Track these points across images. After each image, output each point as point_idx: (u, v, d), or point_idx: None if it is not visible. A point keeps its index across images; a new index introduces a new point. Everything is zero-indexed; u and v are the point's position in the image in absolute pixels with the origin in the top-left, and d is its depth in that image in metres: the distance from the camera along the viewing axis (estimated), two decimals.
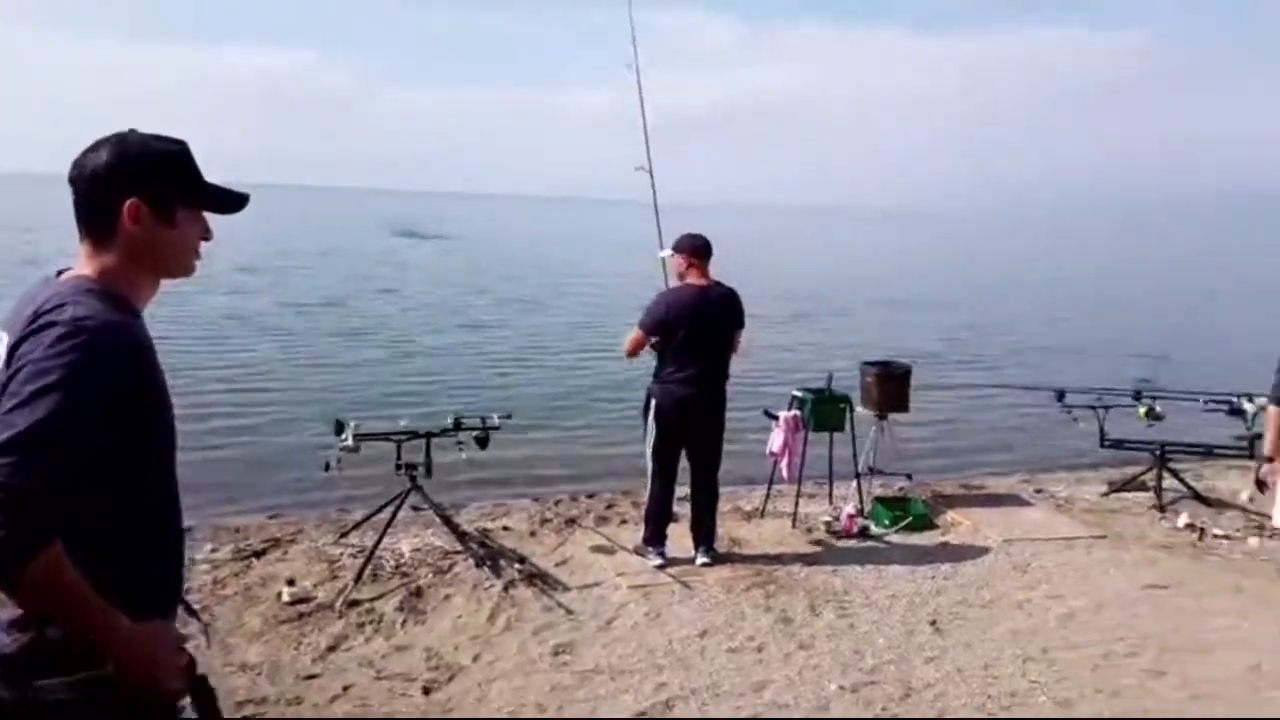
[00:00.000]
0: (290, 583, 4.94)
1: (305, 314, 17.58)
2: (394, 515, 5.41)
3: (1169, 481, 7.18)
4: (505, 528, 6.09)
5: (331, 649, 4.33)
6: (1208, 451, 7.40)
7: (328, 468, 5.28)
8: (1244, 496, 7.35)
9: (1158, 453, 7.22)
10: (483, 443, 5.44)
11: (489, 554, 5.43)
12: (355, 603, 4.77)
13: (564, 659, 4.27)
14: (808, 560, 5.62)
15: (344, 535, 5.74)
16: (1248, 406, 7.09)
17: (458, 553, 5.41)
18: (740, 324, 5.50)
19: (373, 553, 5.19)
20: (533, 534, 5.95)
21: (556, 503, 6.82)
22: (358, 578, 4.98)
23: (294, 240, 39.35)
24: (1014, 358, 15.93)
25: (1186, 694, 4.13)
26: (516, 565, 5.28)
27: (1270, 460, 4.47)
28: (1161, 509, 6.90)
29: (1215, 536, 6.37)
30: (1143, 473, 7.39)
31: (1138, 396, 7.43)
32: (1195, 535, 6.38)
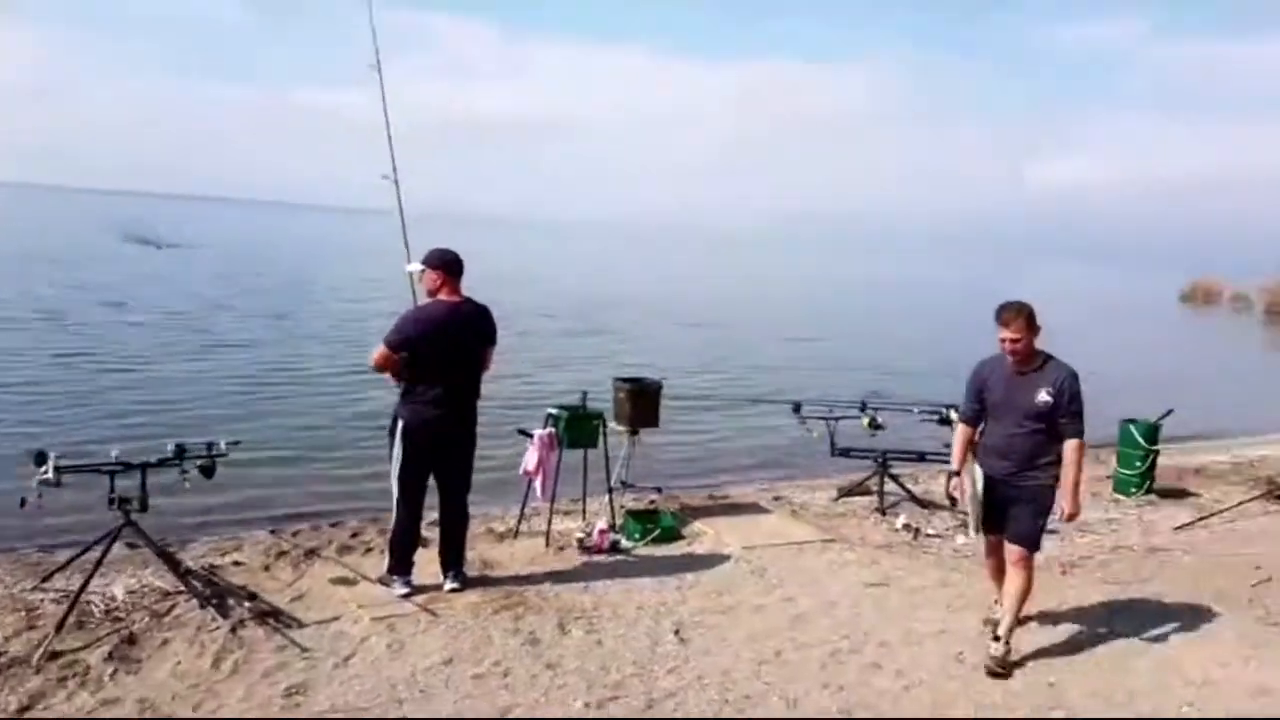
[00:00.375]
0: None
1: (11, 329, 15.70)
2: (104, 555, 4.91)
3: (890, 486, 7.81)
4: (236, 563, 5.68)
5: (25, 709, 3.86)
6: (921, 457, 8.11)
7: (24, 504, 4.70)
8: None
9: (879, 460, 7.84)
10: (208, 472, 5.04)
11: (215, 593, 5.04)
12: (56, 654, 4.28)
13: (296, 700, 4.02)
14: (559, 578, 5.63)
15: (46, 579, 5.15)
16: (954, 416, 7.84)
17: (179, 593, 4.98)
18: (492, 341, 5.42)
19: (78, 597, 4.68)
20: (266, 569, 5.58)
21: (295, 534, 6.45)
22: (60, 626, 4.47)
23: None
24: (757, 373, 16.82)
25: (900, 684, 4.48)
26: (246, 603, 4.93)
27: (957, 474, 4.89)
28: (883, 512, 7.49)
29: (928, 535, 6.98)
30: (867, 478, 8.00)
31: (863, 408, 8.03)
32: (911, 535, 6.96)
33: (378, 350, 5.16)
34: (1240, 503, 8.18)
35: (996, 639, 4.70)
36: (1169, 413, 8.84)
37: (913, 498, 7.88)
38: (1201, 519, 7.73)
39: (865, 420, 7.85)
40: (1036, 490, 4.67)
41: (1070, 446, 4.59)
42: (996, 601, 5.03)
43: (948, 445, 7.79)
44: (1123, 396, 13.78)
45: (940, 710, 4.25)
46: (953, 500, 5.00)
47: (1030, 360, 4.66)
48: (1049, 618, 5.34)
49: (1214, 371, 22.08)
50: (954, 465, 4.91)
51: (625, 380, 6.97)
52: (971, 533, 5.12)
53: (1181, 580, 6.22)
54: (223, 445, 5.18)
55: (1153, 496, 8.45)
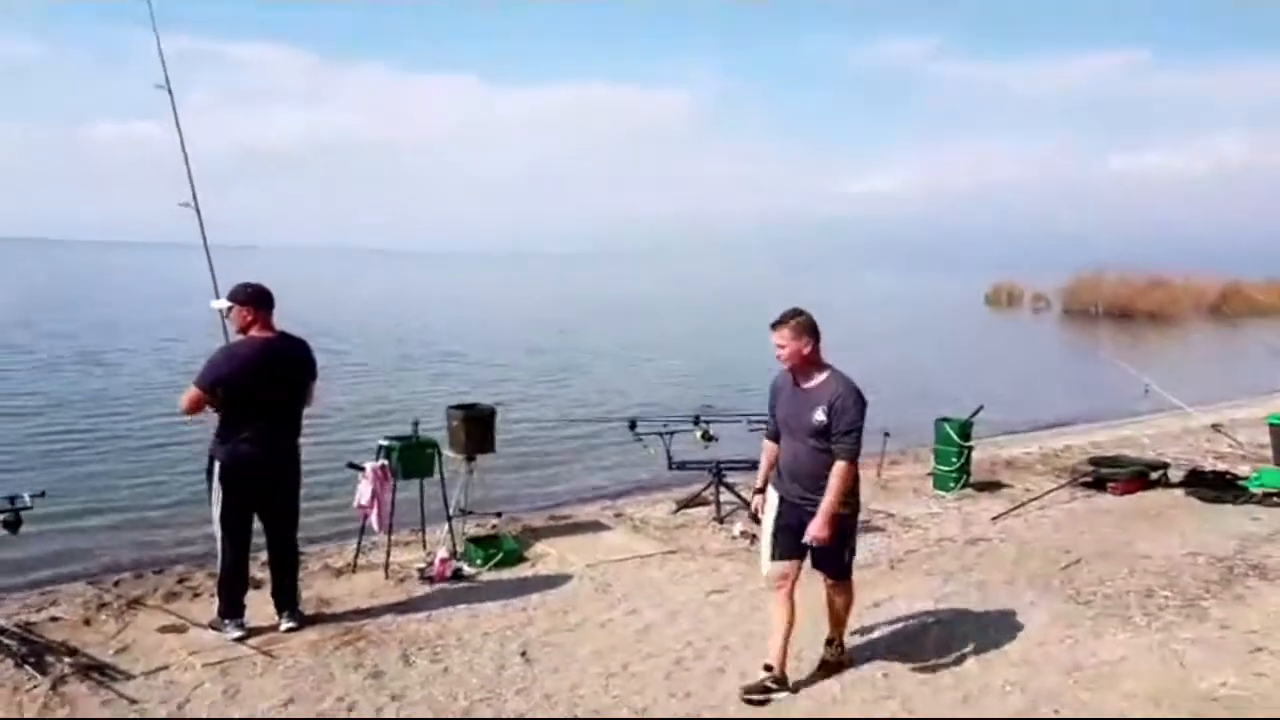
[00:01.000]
0: None
1: None
2: None
3: (725, 495, 8.07)
4: (53, 618, 5.31)
5: None
6: (754, 465, 8.35)
7: None
8: None
9: (714, 470, 8.09)
10: (12, 526, 4.71)
11: (31, 650, 4.72)
12: None
13: None
14: (401, 609, 5.55)
15: None
16: None
17: None
18: (313, 375, 5.29)
19: None
20: (87, 621, 5.25)
21: (117, 583, 6.07)
22: None
23: None
24: (592, 393, 16.99)
25: (743, 685, 4.64)
26: (66, 659, 4.64)
27: (760, 491, 4.72)
28: (720, 520, 7.74)
29: None
30: (703, 489, 8.24)
31: (696, 421, 8.26)
32: (748, 541, 7.21)
33: (189, 392, 4.94)
34: (1049, 491, 8.87)
35: (831, 641, 4.77)
36: (980, 409, 9.52)
37: (747, 505, 8.15)
38: (1015, 509, 8.33)
39: (699, 433, 8.08)
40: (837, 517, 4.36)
41: (836, 468, 4.28)
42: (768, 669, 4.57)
43: None
44: (935, 396, 14.75)
45: (781, 709, 4.44)
46: (757, 519, 4.76)
47: (808, 373, 4.42)
48: (880, 611, 5.67)
49: (1019, 368, 23.82)
50: (758, 483, 4.79)
51: (458, 407, 6.94)
52: (764, 567, 4.66)
53: (1000, 567, 6.68)
54: (26, 498, 4.86)
55: (970, 490, 9.06)
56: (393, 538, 6.29)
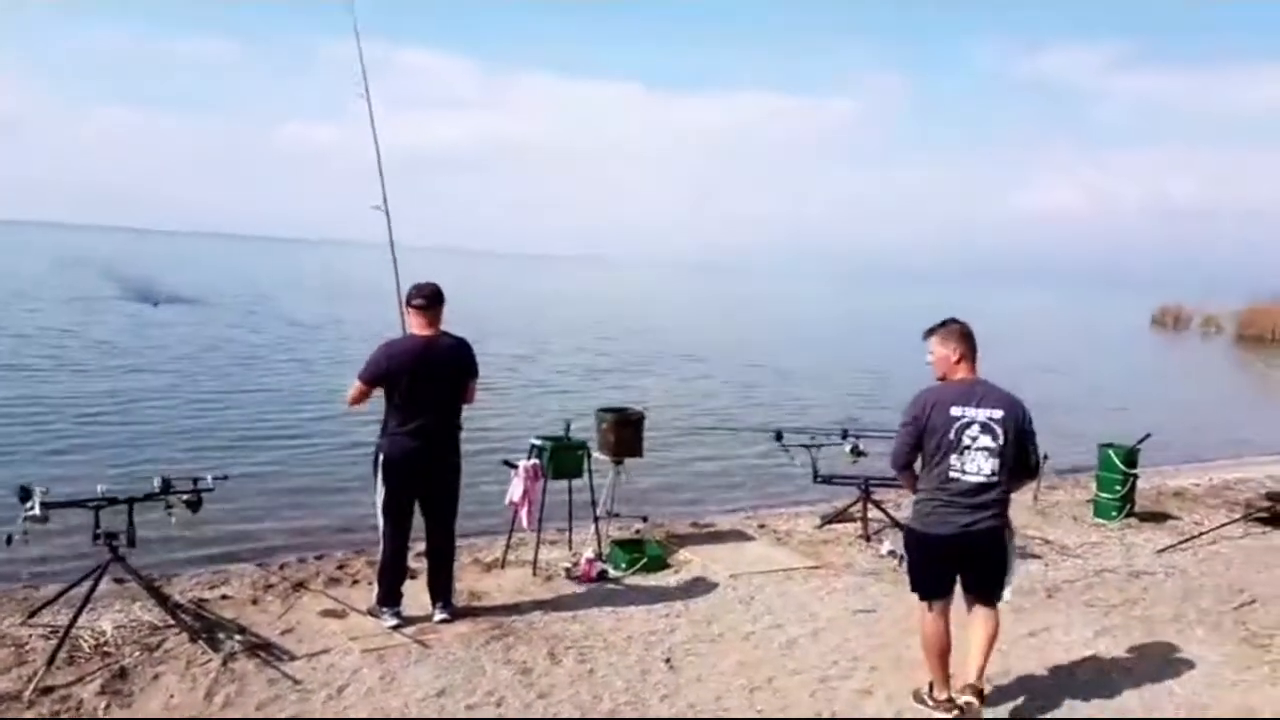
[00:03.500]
0: None
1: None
2: (93, 589, 4.88)
3: (873, 513, 7.87)
4: (224, 596, 5.65)
5: None
6: None
7: (9, 540, 4.67)
8: None
9: (862, 486, 7.90)
10: (195, 506, 5.03)
11: (205, 626, 5.02)
12: (48, 690, 4.24)
13: None
14: (548, 608, 5.64)
15: (33, 615, 5.10)
16: None
17: (169, 626, 4.95)
18: (472, 374, 5.44)
19: (68, 632, 4.64)
20: (255, 602, 5.56)
21: (282, 566, 6.42)
22: (50, 661, 4.43)
23: None
24: (740, 402, 16.92)
25: (892, 709, 4.52)
26: (236, 636, 4.91)
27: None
28: (867, 538, 7.54)
29: None
30: (850, 505, 8.05)
31: (844, 435, 8.09)
32: (896, 561, 6.99)
33: (353, 386, 5.20)
34: (1221, 525, 8.30)
35: (970, 688, 4.28)
36: (1147, 436, 8.98)
37: (896, 524, 7.92)
38: (1183, 542, 7.83)
39: (847, 447, 7.92)
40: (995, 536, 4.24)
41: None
42: (930, 692, 4.45)
43: None
44: (1100, 421, 14.01)
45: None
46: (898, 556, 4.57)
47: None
48: (1034, 642, 5.41)
49: (1189, 394, 22.40)
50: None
51: (608, 410, 7.02)
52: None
53: (1166, 603, 6.29)
54: (209, 479, 5.18)
55: (1133, 520, 8.56)
56: (541, 536, 6.40)
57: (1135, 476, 8.72)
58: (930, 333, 4.39)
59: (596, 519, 6.70)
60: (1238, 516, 8.57)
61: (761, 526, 7.96)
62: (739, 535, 7.57)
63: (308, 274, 63.30)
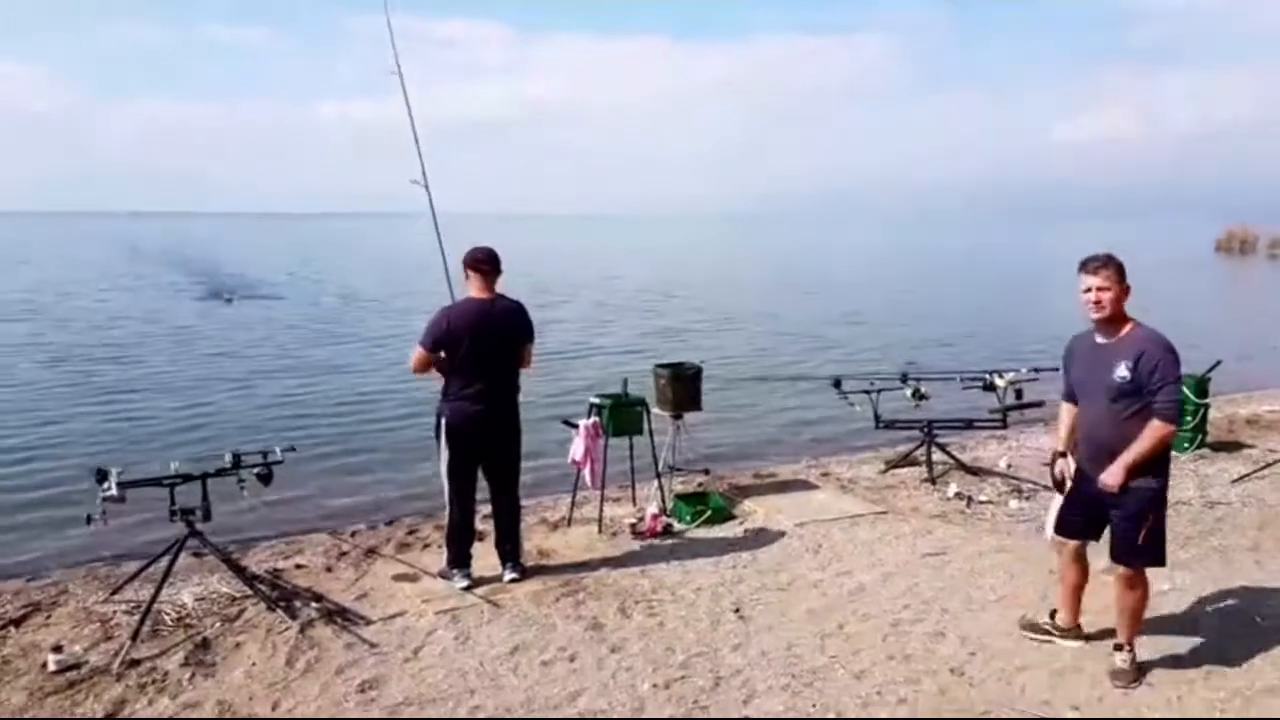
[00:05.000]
0: (57, 649, 4.46)
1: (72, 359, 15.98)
2: (172, 564, 5.01)
3: (937, 455, 7.77)
4: (299, 565, 5.77)
5: (110, 716, 3.96)
6: (968, 425, 8.05)
7: (90, 521, 4.81)
8: (1003, 464, 8.10)
9: (925, 430, 7.80)
10: (266, 479, 5.13)
11: (281, 595, 5.14)
12: (135, 662, 4.38)
13: (371, 695, 4.10)
14: (615, 564, 5.67)
15: (116, 591, 5.27)
16: (999, 382, 7.80)
17: (247, 597, 5.08)
18: (529, 337, 5.45)
19: (150, 606, 4.78)
20: (329, 569, 5.67)
21: (353, 534, 6.54)
22: (135, 635, 4.58)
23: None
24: (795, 351, 16.79)
25: (966, 651, 4.47)
26: (313, 604, 5.02)
27: (1062, 455, 4.31)
28: (933, 481, 7.45)
29: (981, 503, 6.94)
30: (914, 449, 7.96)
31: (904, 379, 7.98)
32: (964, 503, 6.93)
33: (415, 352, 5.23)
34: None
35: (1120, 648, 4.20)
36: (1217, 364, 8.71)
37: (961, 466, 7.84)
38: (1258, 470, 7.62)
39: (909, 391, 7.81)
40: (1133, 491, 3.98)
41: (1152, 425, 3.88)
42: (1053, 615, 4.57)
43: (994, 411, 7.82)
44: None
45: (1010, 674, 4.23)
46: (1060, 484, 4.31)
47: (1115, 326, 3.99)
48: (1105, 575, 5.29)
49: (1260, 319, 21.71)
50: (1060, 445, 4.34)
51: (665, 366, 6.99)
52: (1047, 533, 4.54)
53: (1243, 533, 6.16)
54: (278, 452, 5.27)
55: (1205, 450, 8.36)
56: (605, 493, 6.43)
57: (1207, 406, 8.50)
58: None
59: (659, 474, 6.71)
60: None
61: (825, 475, 7.91)
62: (803, 484, 7.53)
63: (356, 248, 63.93)
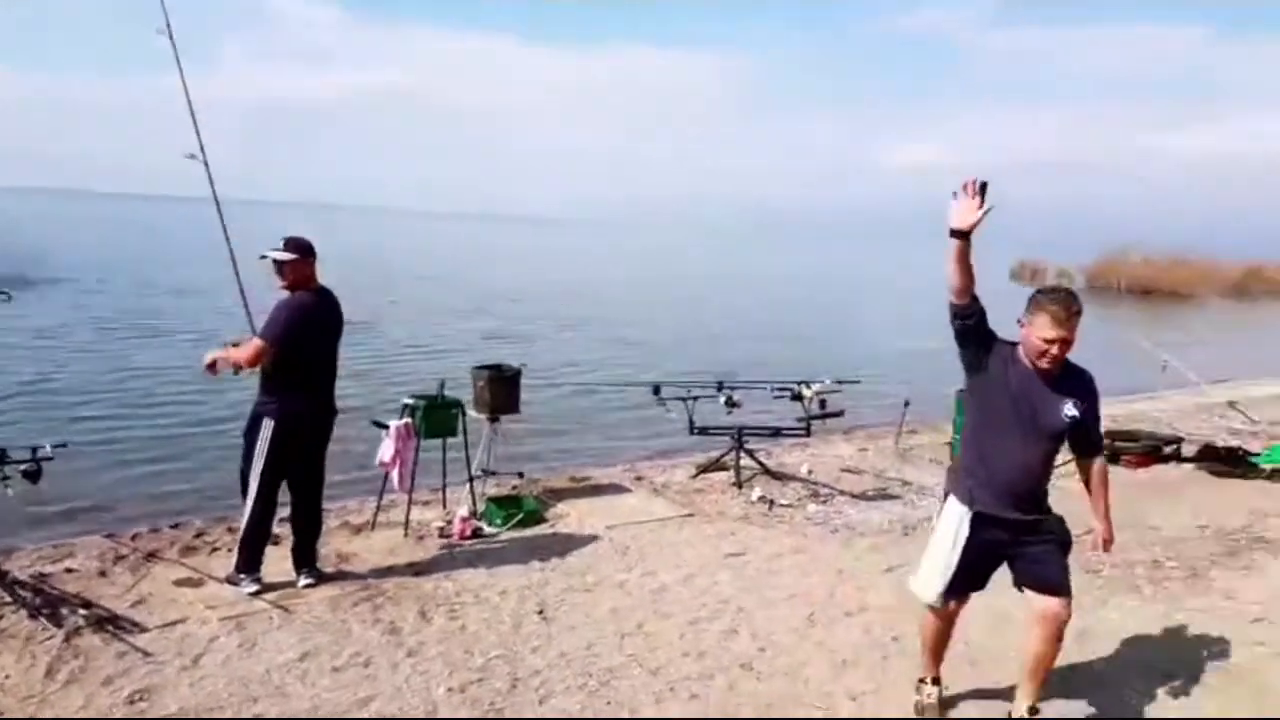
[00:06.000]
0: None
1: None
2: None
3: (746, 461, 8.04)
4: (69, 570, 5.33)
5: None
6: (775, 432, 8.38)
7: None
8: (805, 469, 8.46)
9: (736, 436, 8.05)
10: (33, 476, 4.73)
11: (46, 602, 4.74)
12: None
13: (141, 706, 3.84)
14: (419, 568, 5.56)
15: None
16: (806, 392, 8.14)
17: (5, 604, 4.67)
18: (340, 332, 5.27)
19: None
20: (103, 574, 5.26)
21: (134, 537, 6.08)
22: None
23: None
24: (616, 356, 16.99)
25: (756, 646, 4.64)
26: (81, 611, 4.65)
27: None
28: (739, 486, 7.70)
29: (781, 506, 7.23)
30: (724, 455, 8.20)
31: (719, 388, 8.21)
32: (766, 506, 7.19)
33: (251, 345, 4.87)
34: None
35: (1035, 711, 3.74)
36: None
37: (767, 471, 8.14)
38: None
39: (723, 399, 8.04)
40: (1054, 525, 3.71)
41: (1103, 468, 3.76)
42: (923, 681, 4.00)
43: (800, 419, 8.15)
44: (955, 369, 14.61)
45: (796, 668, 4.42)
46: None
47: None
48: (891, 576, 5.63)
49: None
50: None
51: (484, 368, 6.92)
52: (927, 593, 3.74)
53: None
54: (48, 448, 4.88)
55: None
56: (413, 496, 6.29)
57: None
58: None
59: (471, 477, 6.62)
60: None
61: (639, 479, 8.03)
62: (616, 488, 7.62)
63: (134, 232, 59.95)
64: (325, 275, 5.19)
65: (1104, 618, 5.10)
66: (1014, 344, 3.60)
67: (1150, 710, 4.15)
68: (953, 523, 3.66)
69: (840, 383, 8.42)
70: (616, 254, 67.63)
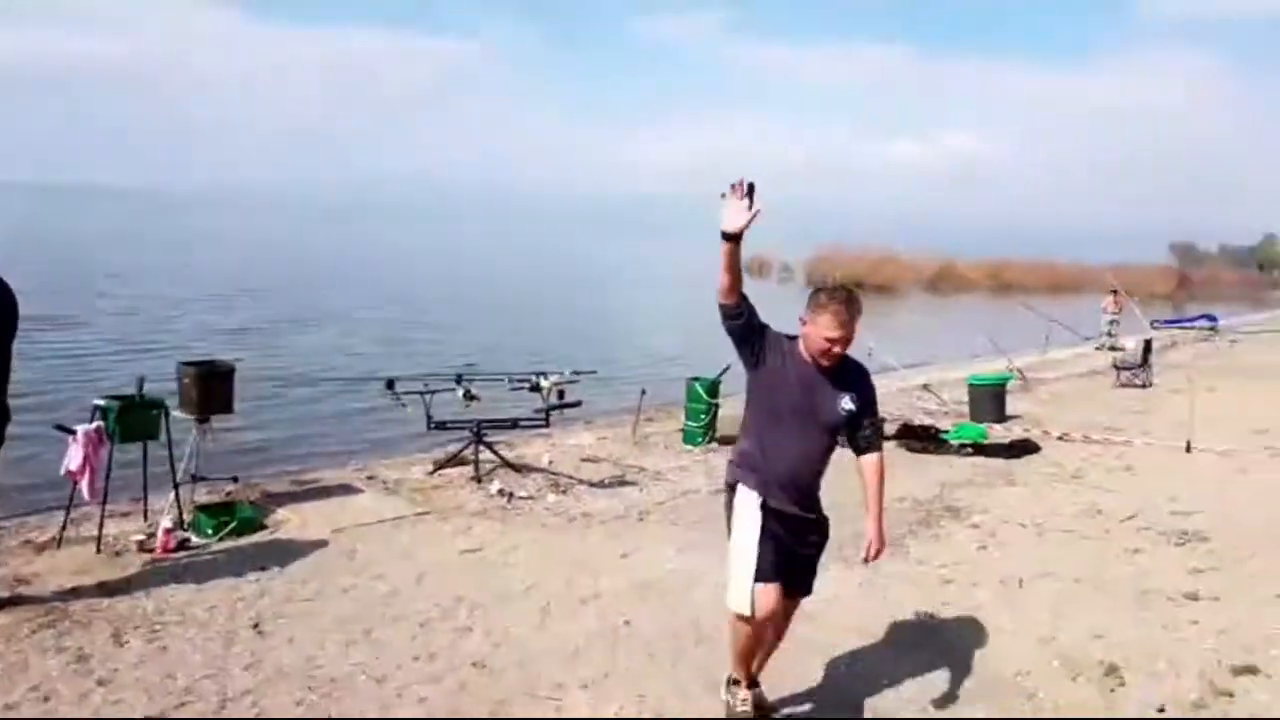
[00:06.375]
0: None
1: None
2: None
3: (485, 454, 7.93)
4: None
5: None
6: (514, 424, 8.33)
7: None
8: (545, 460, 8.49)
9: (474, 429, 7.92)
10: None
11: None
12: None
13: None
14: (114, 587, 5.01)
15: None
16: (544, 384, 8.14)
17: None
18: (15, 327, 4.62)
19: None
20: None
21: None
22: None
23: None
24: (348, 349, 16.30)
25: (490, 643, 4.56)
26: None
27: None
28: (479, 480, 7.59)
29: (521, 499, 7.20)
30: (463, 449, 8.05)
31: (458, 381, 8.04)
32: (505, 499, 7.13)
33: None
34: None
35: (746, 684, 3.81)
36: (727, 368, 9.88)
37: (507, 464, 8.08)
38: None
39: (461, 392, 7.88)
40: (824, 523, 3.78)
41: (876, 464, 3.67)
42: (736, 683, 3.84)
43: (538, 411, 8.15)
44: (689, 356, 15.25)
45: (528, 661, 4.39)
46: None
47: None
48: (626, 562, 5.76)
49: None
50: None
51: (191, 364, 6.38)
52: (740, 602, 3.50)
53: None
54: None
55: (715, 444, 9.41)
56: (109, 508, 5.69)
57: (717, 405, 9.59)
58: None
59: (177, 484, 6.07)
60: None
61: (371, 478, 7.71)
62: (345, 489, 7.27)
63: None
64: (11, 263, 4.55)
65: (817, 588, 5.44)
66: (792, 337, 3.61)
67: (858, 668, 4.47)
68: (749, 513, 3.57)
69: (578, 373, 8.51)
70: (350, 240, 64.83)
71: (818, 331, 3.49)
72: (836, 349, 3.49)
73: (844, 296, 3.52)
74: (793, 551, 3.64)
